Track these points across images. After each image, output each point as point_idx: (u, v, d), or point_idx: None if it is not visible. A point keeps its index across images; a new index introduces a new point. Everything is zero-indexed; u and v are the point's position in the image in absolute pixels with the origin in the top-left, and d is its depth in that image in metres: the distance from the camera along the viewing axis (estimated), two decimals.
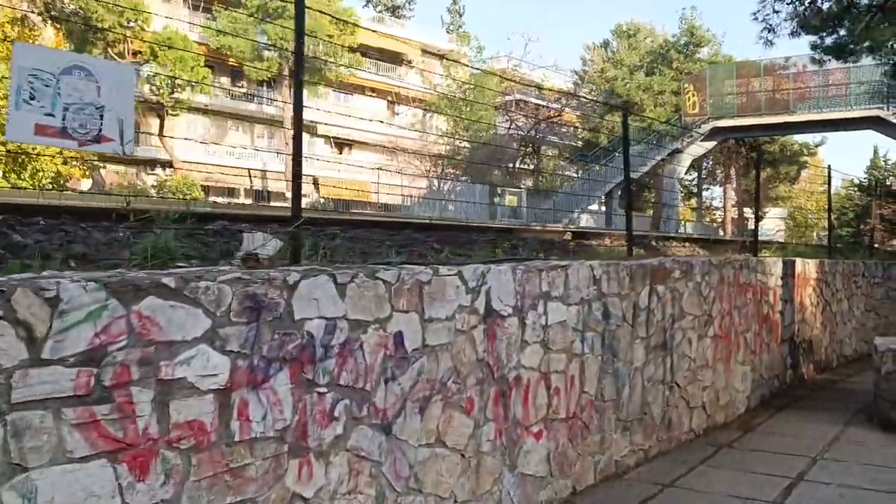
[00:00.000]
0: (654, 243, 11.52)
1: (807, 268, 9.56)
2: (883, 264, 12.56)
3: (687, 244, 12.44)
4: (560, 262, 4.93)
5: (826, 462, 5.79)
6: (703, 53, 47.65)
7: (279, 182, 46.60)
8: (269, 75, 43.81)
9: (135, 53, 38.53)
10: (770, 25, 19.73)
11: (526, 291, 4.59)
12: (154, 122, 40.74)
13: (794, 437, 6.58)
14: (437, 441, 3.93)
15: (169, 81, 38.37)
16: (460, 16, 61.83)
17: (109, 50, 37.67)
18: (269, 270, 3.24)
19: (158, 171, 43.62)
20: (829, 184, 12.06)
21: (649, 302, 5.86)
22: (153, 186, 39.49)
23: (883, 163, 67.70)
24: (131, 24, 37.66)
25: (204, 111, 45.12)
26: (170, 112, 39.88)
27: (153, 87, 38.56)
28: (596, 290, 5.24)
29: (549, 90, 40.96)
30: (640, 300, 5.75)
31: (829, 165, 12.10)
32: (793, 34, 19.89)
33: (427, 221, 8.85)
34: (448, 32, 59.20)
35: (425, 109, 42.60)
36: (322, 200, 45.40)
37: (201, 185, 41.14)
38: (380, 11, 63.37)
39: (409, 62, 56.75)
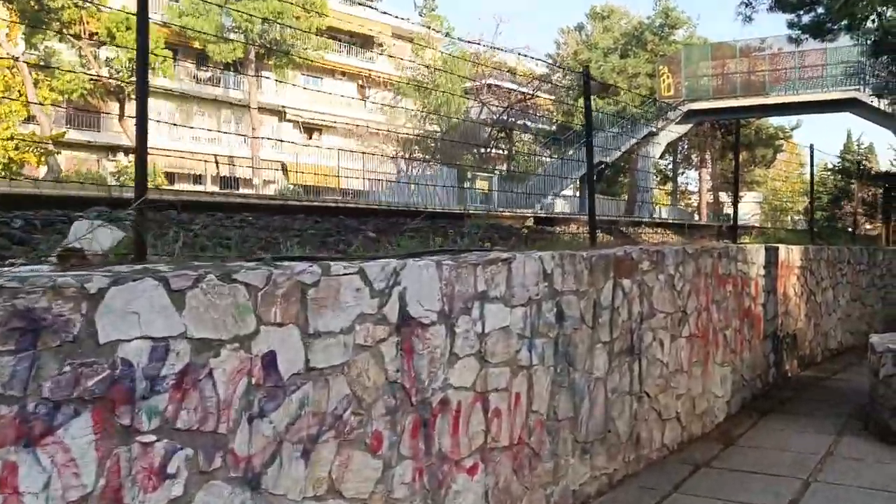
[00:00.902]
0: (624, 229, 10.65)
1: (791, 255, 8.71)
2: (868, 250, 11.78)
3: (660, 230, 11.58)
4: (501, 255, 3.99)
5: (820, 485, 4.93)
6: (678, 35, 46.87)
7: (251, 169, 45.41)
8: (234, 58, 42.51)
9: (91, 35, 37.01)
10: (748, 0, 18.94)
11: (456, 292, 3.66)
12: (117, 107, 39.37)
13: (781, 451, 5.73)
14: (329, 491, 3.00)
15: (128, 64, 36.93)
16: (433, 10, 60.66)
17: (65, 31, 36.17)
18: (60, 274, 2.28)
19: (121, 157, 42.25)
20: (812, 164, 11.24)
21: (613, 299, 4.95)
22: (112, 173, 38.14)
23: (856, 146, 67.58)
24: (87, 3, 36.12)
25: (168, 95, 43.68)
26: (131, 96, 38.42)
27: (112, 70, 37.14)
28: (547, 287, 4.33)
29: (520, 74, 39.94)
30: (602, 297, 4.84)
31: (811, 145, 11.29)
32: (771, 9, 19.12)
33: (363, 206, 7.88)
34: (420, 15, 57.94)
35: (395, 93, 41.53)
36: (291, 187, 44.24)
37: (165, 172, 39.86)
38: None
39: (380, 45, 55.47)
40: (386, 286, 3.27)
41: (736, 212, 9.06)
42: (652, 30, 45.77)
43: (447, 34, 39.98)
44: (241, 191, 37.65)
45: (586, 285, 4.67)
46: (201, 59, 45.77)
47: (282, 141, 43.07)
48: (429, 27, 46.99)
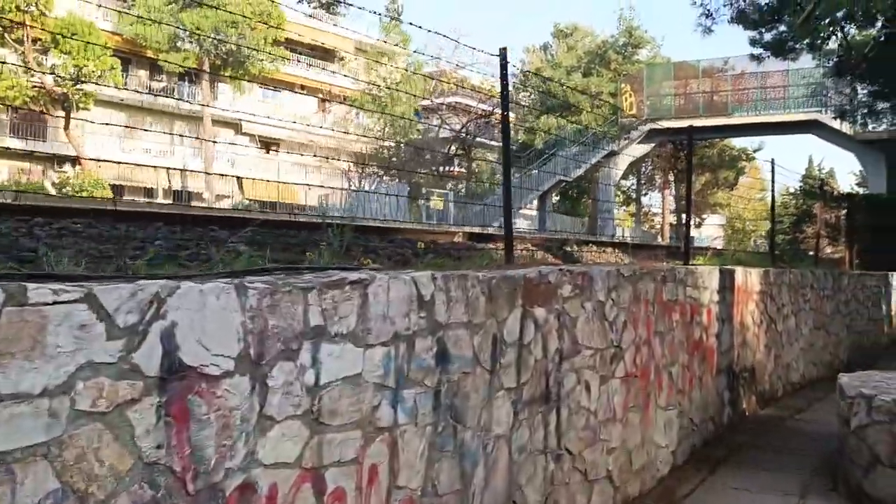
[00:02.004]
0: (570, 248, 9.64)
1: (749, 279, 7.75)
2: (833, 274, 10.90)
3: (613, 250, 10.60)
4: (349, 276, 2.91)
5: None
6: (641, 55, 46.51)
7: (201, 181, 44.08)
8: (186, 68, 41.19)
9: (35, 41, 35.51)
10: (708, 10, 18.23)
11: (270, 329, 2.57)
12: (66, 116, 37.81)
13: None
14: None
15: (73, 72, 35.45)
16: (399, 15, 59.84)
17: (7, 36, 34.69)
18: None
19: (67, 168, 40.68)
20: (773, 180, 10.35)
21: (522, 333, 3.89)
22: (54, 184, 36.59)
23: (818, 171, 67.80)
24: (31, 8, 34.63)
25: (118, 105, 42.20)
26: (79, 105, 36.90)
27: (57, 78, 35.65)
28: (425, 318, 3.25)
29: (481, 91, 39.15)
30: (507, 331, 3.78)
31: (772, 160, 10.41)
32: (732, 21, 18.44)
33: (246, 216, 6.78)
34: (384, 31, 57.04)
35: (354, 107, 40.48)
36: (246, 201, 42.95)
37: (112, 184, 38.38)
38: (315, 7, 61.05)
39: (342, 59, 54.47)
40: (139, 321, 2.17)
41: (688, 229, 8.07)
42: (615, 49, 45.35)
43: (402, 46, 39.05)
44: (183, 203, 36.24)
45: (483, 316, 3.61)
46: (155, 67, 44.45)
47: (234, 144, 41.84)
48: (385, 41, 46.09)
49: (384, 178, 31.39)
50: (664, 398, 5.58)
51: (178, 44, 41.54)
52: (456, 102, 41.13)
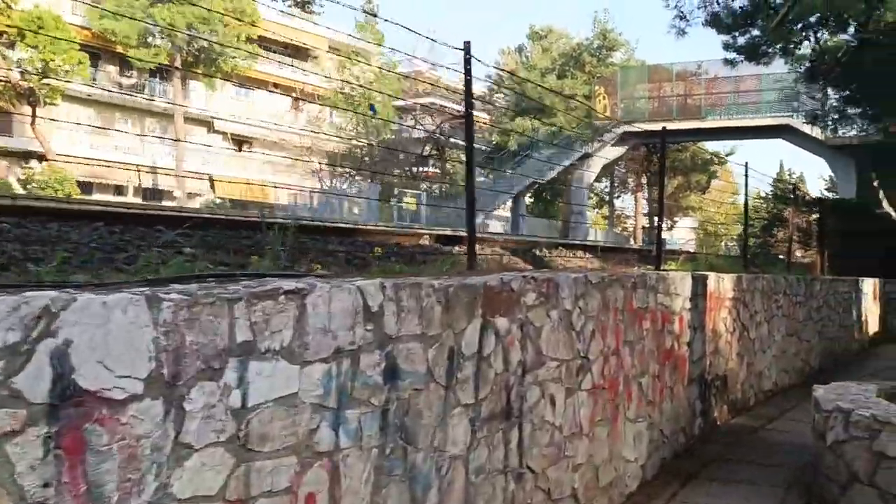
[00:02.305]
0: (539, 252, 9.39)
1: (721, 285, 7.55)
2: (805, 280, 10.75)
3: (581, 253, 10.37)
4: (283, 285, 2.62)
5: None
6: (616, 58, 46.57)
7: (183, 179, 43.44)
8: (156, 64, 40.54)
9: (0, 34, 34.71)
10: (682, 13, 18.12)
11: (188, 346, 2.27)
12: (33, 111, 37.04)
13: None
14: None
15: (40, 67, 34.70)
16: (374, 13, 59.38)
17: None
18: None
19: (34, 164, 39.85)
20: (746, 183, 10.20)
21: (481, 345, 3.62)
22: (20, 181, 35.84)
23: (788, 176, 68.36)
24: None
25: (87, 101, 41.47)
26: (47, 101, 36.10)
27: (23, 72, 34.88)
28: (372, 331, 2.97)
29: (455, 91, 38.90)
30: (465, 343, 3.50)
31: (746, 163, 10.27)
32: (706, 23, 18.35)
33: (192, 215, 6.43)
34: (358, 30, 56.60)
35: (326, 106, 40.07)
36: (218, 200, 42.40)
37: (81, 181, 37.71)
38: (289, 6, 60.44)
39: (316, 58, 54.04)
40: (22, 339, 1.87)
41: (660, 234, 7.85)
42: (590, 51, 45.33)
43: (377, 45, 38.69)
44: (160, 203, 35.63)
45: (439, 327, 3.33)
46: (125, 63, 43.73)
47: (205, 145, 41.35)
48: (357, 38, 45.64)
49: (356, 178, 31.04)
50: (633, 410, 5.34)
51: (149, 39, 40.89)
52: (430, 103, 40.86)
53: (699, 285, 6.88)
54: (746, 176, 10.29)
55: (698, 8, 17.36)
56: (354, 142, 32.79)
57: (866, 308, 14.83)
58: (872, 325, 15.55)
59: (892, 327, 17.12)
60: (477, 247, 8.47)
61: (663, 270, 7.11)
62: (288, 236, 3.71)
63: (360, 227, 8.04)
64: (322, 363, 2.73)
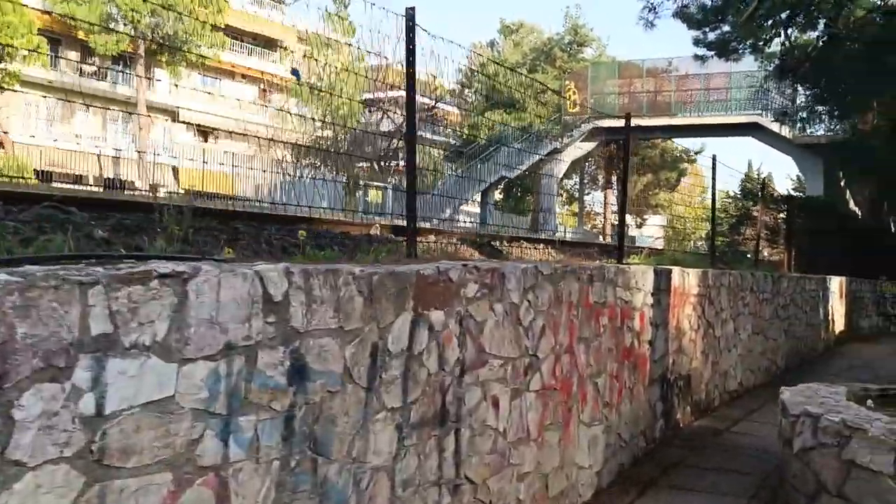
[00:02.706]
0: (498, 244, 8.99)
1: (686, 280, 7.21)
2: (773, 276, 10.48)
3: (543, 247, 10.00)
4: (158, 267, 2.18)
5: None
6: (587, 54, 46.38)
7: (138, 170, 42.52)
8: (118, 51, 39.55)
9: None
10: (651, 4, 17.84)
11: (18, 338, 1.83)
12: None
13: None
14: None
15: None
16: (346, 6, 58.71)
17: None
18: None
19: None
20: (714, 177, 9.88)
21: (412, 342, 3.21)
22: None
23: (756, 175, 68.79)
24: None
25: (47, 87, 40.41)
26: (2, 86, 35.05)
27: None
28: (274, 324, 2.54)
29: (426, 86, 38.41)
30: (392, 339, 3.09)
31: (714, 156, 9.96)
32: (675, 15, 18.09)
33: (123, 199, 5.94)
34: (328, 21, 55.81)
35: (292, 96, 39.35)
36: (181, 192, 41.52)
37: (40, 170, 36.70)
38: None
39: (285, 48, 53.27)
40: None
41: (622, 224, 7.46)
42: (561, 46, 45.07)
43: (348, 36, 38.08)
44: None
45: (360, 321, 2.91)
46: (88, 51, 42.73)
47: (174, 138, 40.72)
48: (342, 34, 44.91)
49: (320, 168, 30.41)
50: (588, 413, 4.96)
51: (112, 25, 39.90)
52: (400, 97, 40.33)
53: (662, 280, 6.52)
54: (714, 168, 9.99)
55: None
56: (317, 133, 32.16)
57: (833, 306, 14.66)
58: (838, 324, 15.40)
59: (857, 326, 17.02)
60: (431, 237, 8.06)
61: (625, 264, 6.75)
62: (185, 218, 3.25)
63: (306, 215, 7.59)
64: (208, 361, 2.30)
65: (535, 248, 9.29)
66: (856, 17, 15.68)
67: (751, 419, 7.76)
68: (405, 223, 4.43)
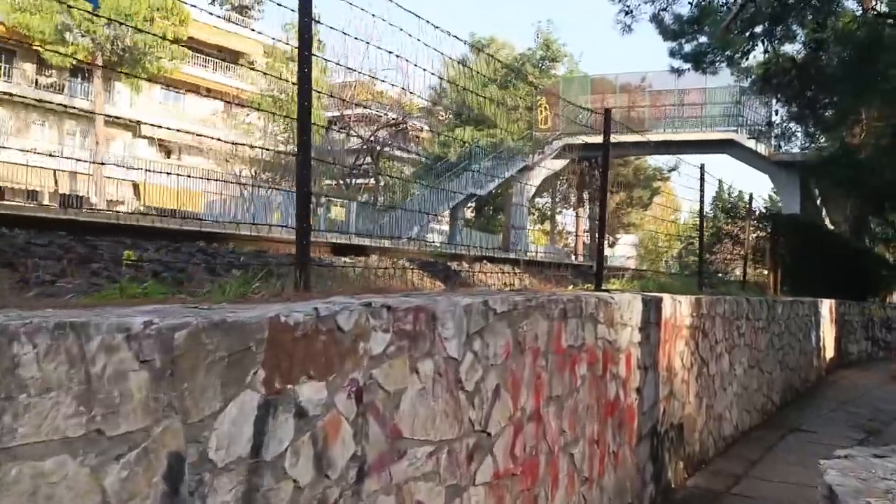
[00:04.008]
0: (456, 266, 7.68)
1: (678, 309, 5.95)
2: (768, 302, 9.28)
3: (508, 267, 8.71)
4: None
5: None
6: (559, 70, 45.53)
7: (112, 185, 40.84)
8: (73, 62, 37.99)
9: None
10: (628, 7, 16.79)
11: None
12: None
13: None
14: None
15: None
16: (317, 22, 57.57)
17: None
18: None
19: None
20: (702, 187, 8.67)
21: (260, 441, 1.88)
22: None
23: (728, 195, 68.43)
24: None
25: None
26: None
27: None
28: None
29: (388, 102, 37.22)
30: (216, 442, 1.76)
31: (702, 164, 8.77)
32: (653, 19, 17.05)
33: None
34: (289, 31, 54.54)
35: (252, 108, 37.99)
36: (142, 208, 39.92)
37: None
38: (228, 10, 58.40)
39: (252, 63, 51.94)
40: None
41: (602, 243, 6.18)
42: (532, 62, 44.15)
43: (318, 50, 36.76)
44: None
45: (143, 416, 1.59)
46: (45, 63, 41.17)
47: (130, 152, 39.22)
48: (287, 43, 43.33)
49: (281, 183, 29.02)
50: (562, 496, 3.66)
51: (68, 36, 38.34)
52: (368, 114, 39.05)
53: (652, 311, 5.26)
54: (702, 178, 8.79)
55: (644, 2, 15.98)
56: (277, 149, 30.81)
57: (824, 332, 13.53)
58: (829, 350, 14.28)
59: (846, 352, 15.94)
60: (374, 258, 6.73)
61: (605, 291, 5.49)
62: None
63: (221, 231, 6.27)
64: None
65: (502, 270, 8.00)
66: (843, 22, 14.70)
67: (753, 476, 6.49)
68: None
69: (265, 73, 27.35)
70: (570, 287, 6.50)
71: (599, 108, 37.09)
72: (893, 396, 11.56)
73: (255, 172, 30.67)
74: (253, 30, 51.18)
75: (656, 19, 16.82)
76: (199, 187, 35.82)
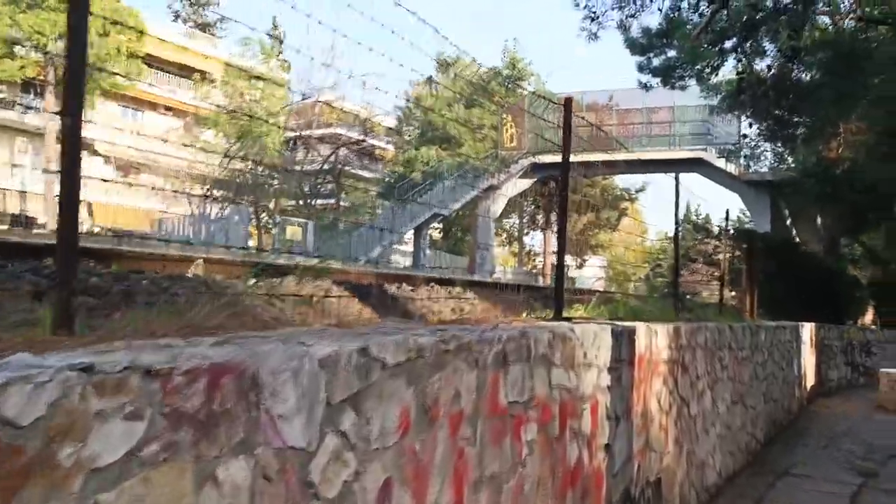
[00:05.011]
0: (393, 288, 6.57)
1: (654, 342, 4.91)
2: (751, 328, 8.28)
3: (462, 290, 7.63)
4: None
5: None
6: (526, 88, 44.85)
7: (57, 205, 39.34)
8: (22, 77, 36.53)
9: None
10: (593, 13, 15.94)
11: None
12: None
13: None
14: None
15: None
16: (281, 42, 56.54)
17: None
18: None
19: None
20: (677, 201, 7.69)
21: None
22: None
23: (695, 217, 68.11)
24: None
25: None
26: None
27: None
28: None
29: (341, 110, 36.09)
30: None
31: (676, 175, 7.81)
32: (619, 26, 16.22)
33: None
34: (264, 56, 53.39)
35: (207, 128, 36.74)
36: (97, 228, 38.37)
37: None
38: (191, 27, 57.19)
39: (213, 81, 50.66)
40: None
41: (562, 260, 5.10)
42: (497, 81, 43.41)
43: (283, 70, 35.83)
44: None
45: None
46: None
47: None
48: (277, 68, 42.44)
49: (228, 203, 27.82)
50: None
51: (17, 49, 36.86)
52: (331, 133, 38.00)
53: (624, 345, 4.21)
54: (677, 192, 7.82)
55: (612, 8, 15.14)
56: (238, 167, 29.63)
57: (805, 358, 12.61)
58: (810, 378, 13.36)
59: (826, 379, 15.05)
60: (302, 283, 5.73)
61: (565, 319, 4.43)
62: None
63: (113, 249, 5.15)
64: None
65: (450, 293, 6.91)
66: (821, 29, 13.94)
67: None
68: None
69: (216, 88, 26.20)
70: (525, 314, 5.42)
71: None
72: (883, 429, 10.65)
73: (208, 190, 29.43)
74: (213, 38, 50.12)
75: (623, 27, 15.99)
76: (149, 205, 34.49)
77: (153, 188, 22.92)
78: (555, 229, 45.20)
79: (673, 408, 5.39)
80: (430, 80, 50.80)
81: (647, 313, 6.46)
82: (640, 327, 4.65)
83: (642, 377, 4.58)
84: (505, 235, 51.96)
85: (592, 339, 3.67)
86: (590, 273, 54.33)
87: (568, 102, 4.71)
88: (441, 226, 46.88)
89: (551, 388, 3.06)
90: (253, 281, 4.89)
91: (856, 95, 11.68)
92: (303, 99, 31.21)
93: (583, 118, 7.23)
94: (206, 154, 36.09)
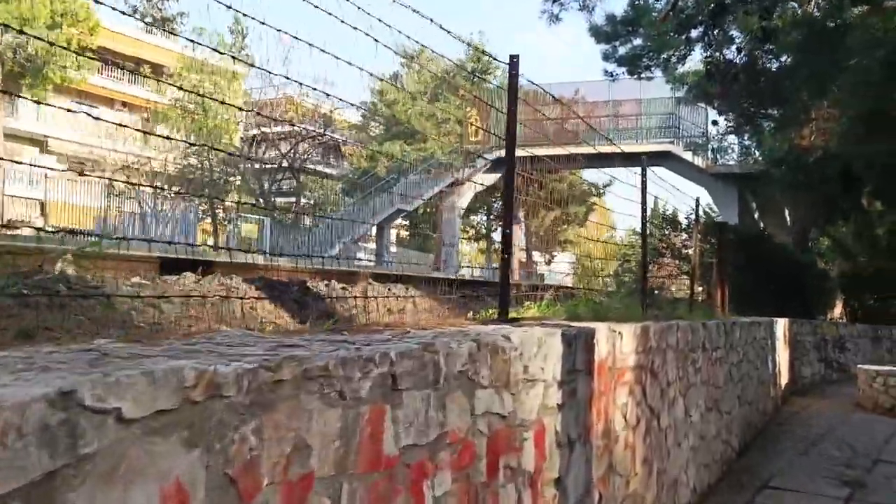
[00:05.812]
0: (324, 288, 5.73)
1: (618, 345, 4.12)
2: (725, 326, 7.55)
3: (406, 287, 6.81)
4: None
5: None
6: (492, 84, 44.12)
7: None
8: None
9: None
10: None
11: None
12: None
13: None
14: None
15: None
16: (243, 37, 55.23)
17: None
18: None
19: None
20: (644, 191, 6.93)
21: None
22: None
23: (662, 213, 67.84)
24: None
25: None
26: None
27: None
28: None
29: (312, 116, 35.09)
30: None
31: (643, 158, 7.06)
32: (582, 7, 15.51)
33: None
34: (228, 50, 51.94)
35: (156, 122, 35.50)
36: (50, 227, 36.94)
37: None
38: (150, 23, 55.69)
39: (171, 76, 49.25)
40: None
41: (508, 249, 4.26)
42: (461, 75, 42.64)
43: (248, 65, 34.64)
44: None
45: None
46: None
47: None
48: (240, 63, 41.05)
49: (190, 199, 26.78)
50: None
51: None
52: (289, 131, 36.92)
53: (579, 352, 3.40)
54: (644, 181, 7.05)
55: None
56: (186, 161, 28.51)
57: (780, 355, 11.97)
58: (784, 376, 12.73)
59: (800, 376, 14.46)
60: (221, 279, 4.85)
61: (511, 320, 3.61)
62: None
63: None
64: None
65: (391, 293, 6.06)
66: (791, 11, 13.33)
67: None
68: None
69: (172, 85, 25.16)
70: (470, 314, 4.60)
71: (531, 119, 35.65)
72: (864, 431, 10.02)
73: (158, 186, 28.37)
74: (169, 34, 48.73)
75: (586, 8, 15.27)
76: (100, 204, 33.19)
77: (99, 178, 21.78)
78: (523, 225, 44.56)
79: (641, 422, 4.61)
80: (395, 76, 49.94)
81: (612, 311, 5.66)
82: (601, 329, 3.85)
83: (603, 389, 3.79)
84: (473, 232, 51.22)
85: (537, 347, 2.86)
86: (561, 269, 53.82)
87: (514, 60, 3.88)
88: (408, 222, 46.05)
89: (475, 419, 2.24)
90: (136, 279, 4.01)
91: (830, 74, 11.06)
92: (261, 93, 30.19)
93: (538, 111, 6.48)
94: (158, 151, 34.84)
